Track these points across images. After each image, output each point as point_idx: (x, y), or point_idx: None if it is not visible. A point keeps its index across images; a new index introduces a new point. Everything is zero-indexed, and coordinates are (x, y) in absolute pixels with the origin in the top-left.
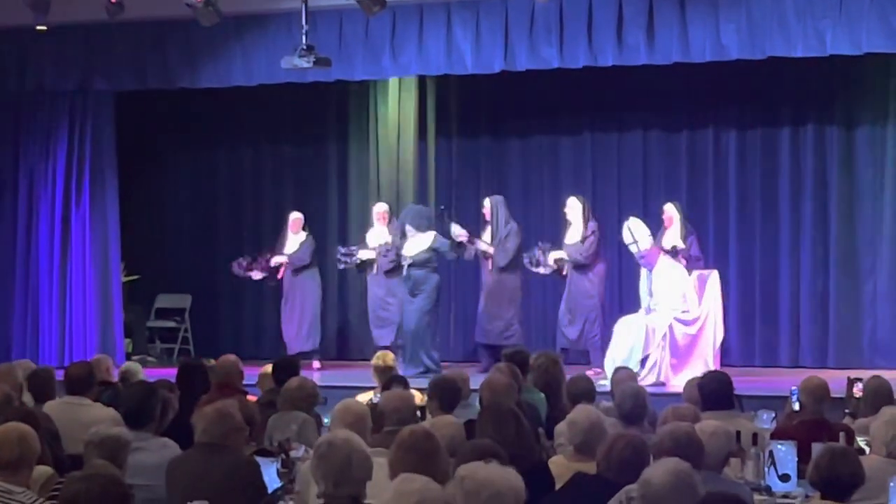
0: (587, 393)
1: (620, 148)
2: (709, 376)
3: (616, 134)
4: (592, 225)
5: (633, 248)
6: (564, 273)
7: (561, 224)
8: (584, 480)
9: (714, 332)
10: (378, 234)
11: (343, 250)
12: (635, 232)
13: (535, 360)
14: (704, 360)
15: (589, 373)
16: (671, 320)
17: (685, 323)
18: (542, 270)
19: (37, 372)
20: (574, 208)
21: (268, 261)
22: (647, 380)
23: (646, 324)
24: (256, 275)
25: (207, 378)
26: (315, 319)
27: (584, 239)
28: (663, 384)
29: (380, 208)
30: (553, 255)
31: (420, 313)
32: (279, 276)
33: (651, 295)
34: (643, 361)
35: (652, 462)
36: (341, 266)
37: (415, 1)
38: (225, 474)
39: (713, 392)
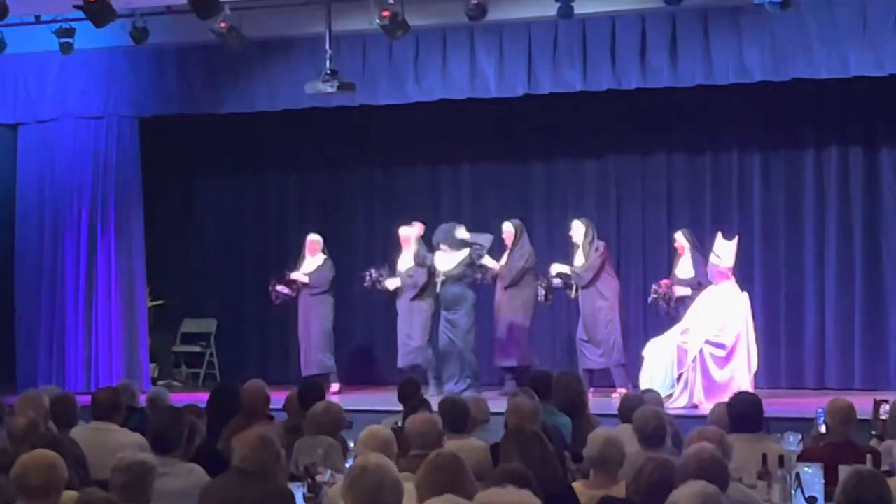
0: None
1: (644, 170)
2: (738, 398)
3: (640, 156)
4: (599, 244)
5: (713, 259)
6: (574, 295)
7: None
8: None
9: (748, 355)
10: (406, 259)
11: (374, 274)
12: (721, 248)
13: (556, 380)
14: (738, 384)
15: (614, 395)
16: (702, 343)
17: (717, 346)
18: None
19: (58, 398)
20: (577, 231)
21: (285, 276)
22: (679, 401)
23: (678, 344)
24: (282, 290)
25: (237, 403)
26: (323, 344)
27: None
28: (696, 406)
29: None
30: (556, 268)
31: (463, 331)
32: (295, 296)
33: (695, 311)
34: (677, 381)
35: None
36: (365, 284)
37: (438, 25)
38: (260, 502)
39: (741, 414)
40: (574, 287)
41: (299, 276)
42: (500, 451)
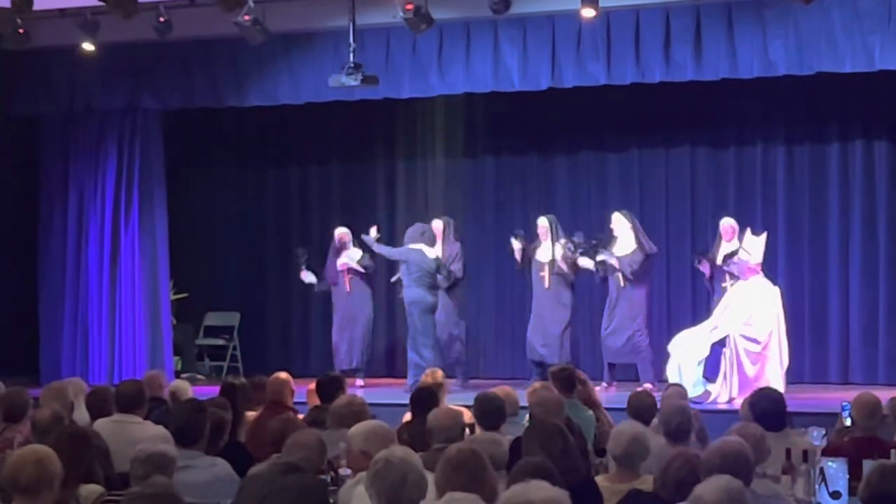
0: (649, 408)
1: (668, 164)
2: (760, 395)
3: (664, 150)
4: (649, 245)
5: (743, 255)
6: (602, 275)
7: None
8: (639, 498)
9: (780, 352)
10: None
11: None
12: (751, 244)
13: (581, 375)
14: (769, 380)
15: (639, 389)
16: (737, 336)
17: (750, 340)
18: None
19: (95, 390)
20: (619, 223)
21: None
22: (722, 397)
23: (712, 339)
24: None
25: (248, 396)
26: (365, 338)
27: (637, 253)
28: (731, 401)
29: (436, 225)
30: (599, 257)
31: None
32: (345, 286)
33: (726, 308)
34: (710, 378)
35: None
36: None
37: (462, 18)
38: (296, 494)
39: (765, 412)
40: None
41: (345, 260)
42: (522, 445)
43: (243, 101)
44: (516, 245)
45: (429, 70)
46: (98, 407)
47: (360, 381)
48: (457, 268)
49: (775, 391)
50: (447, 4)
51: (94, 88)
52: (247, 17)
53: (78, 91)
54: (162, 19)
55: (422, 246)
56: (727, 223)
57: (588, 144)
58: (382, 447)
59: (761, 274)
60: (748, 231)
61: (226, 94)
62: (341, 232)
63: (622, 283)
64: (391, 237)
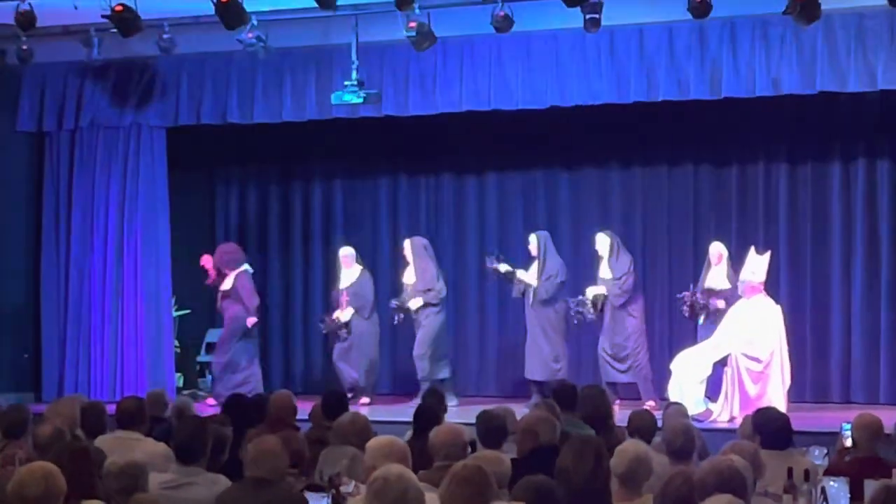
0: (650, 427)
1: (670, 182)
2: (765, 415)
3: (666, 168)
4: (627, 259)
5: (746, 275)
6: (601, 310)
7: None
8: None
9: (782, 371)
10: (408, 273)
11: (394, 305)
12: (755, 264)
13: (581, 392)
14: (771, 400)
15: (640, 408)
16: (738, 355)
17: (752, 359)
18: (588, 316)
19: (88, 407)
20: (602, 244)
21: (333, 321)
22: (723, 416)
23: (713, 358)
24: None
25: (251, 412)
26: (373, 363)
27: (620, 276)
28: (733, 419)
29: (405, 246)
30: (592, 291)
31: None
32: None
33: (727, 327)
34: (711, 396)
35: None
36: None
37: (465, 36)
38: None
39: (770, 431)
40: (599, 307)
41: (345, 315)
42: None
43: (248, 119)
44: (503, 267)
45: (432, 87)
46: (91, 424)
47: (365, 399)
48: (439, 287)
49: (779, 411)
50: (450, 22)
51: (99, 104)
52: (251, 35)
53: (83, 107)
54: (166, 36)
55: (246, 266)
56: (716, 248)
57: (590, 162)
58: (399, 463)
59: (763, 293)
60: (752, 250)
61: (230, 110)
62: (345, 253)
63: (594, 315)
64: (393, 254)
